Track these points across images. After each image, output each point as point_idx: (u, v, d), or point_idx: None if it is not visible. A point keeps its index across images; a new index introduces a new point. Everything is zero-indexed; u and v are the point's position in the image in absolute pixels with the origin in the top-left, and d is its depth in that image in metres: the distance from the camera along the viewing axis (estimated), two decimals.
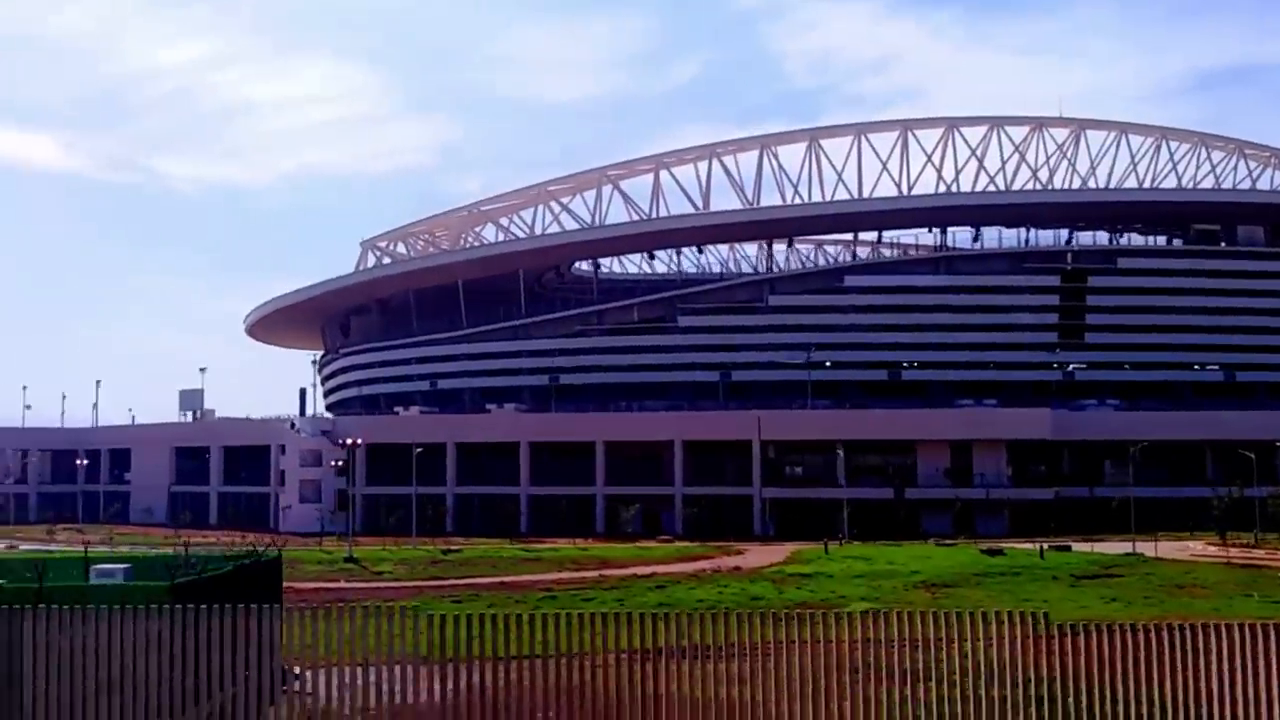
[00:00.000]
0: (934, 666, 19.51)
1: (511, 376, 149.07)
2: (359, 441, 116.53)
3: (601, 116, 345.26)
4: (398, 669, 21.65)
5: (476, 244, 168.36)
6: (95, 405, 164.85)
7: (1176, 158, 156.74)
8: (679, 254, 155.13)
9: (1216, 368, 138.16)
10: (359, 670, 22.40)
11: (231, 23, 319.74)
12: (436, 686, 20.59)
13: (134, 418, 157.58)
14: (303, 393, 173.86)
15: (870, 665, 19.90)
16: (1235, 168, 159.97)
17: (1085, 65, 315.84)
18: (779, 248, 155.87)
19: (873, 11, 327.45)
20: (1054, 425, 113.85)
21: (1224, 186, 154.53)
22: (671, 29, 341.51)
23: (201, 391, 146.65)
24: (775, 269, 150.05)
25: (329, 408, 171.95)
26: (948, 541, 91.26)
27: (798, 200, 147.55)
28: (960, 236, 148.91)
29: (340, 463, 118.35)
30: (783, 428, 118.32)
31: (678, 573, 67.87)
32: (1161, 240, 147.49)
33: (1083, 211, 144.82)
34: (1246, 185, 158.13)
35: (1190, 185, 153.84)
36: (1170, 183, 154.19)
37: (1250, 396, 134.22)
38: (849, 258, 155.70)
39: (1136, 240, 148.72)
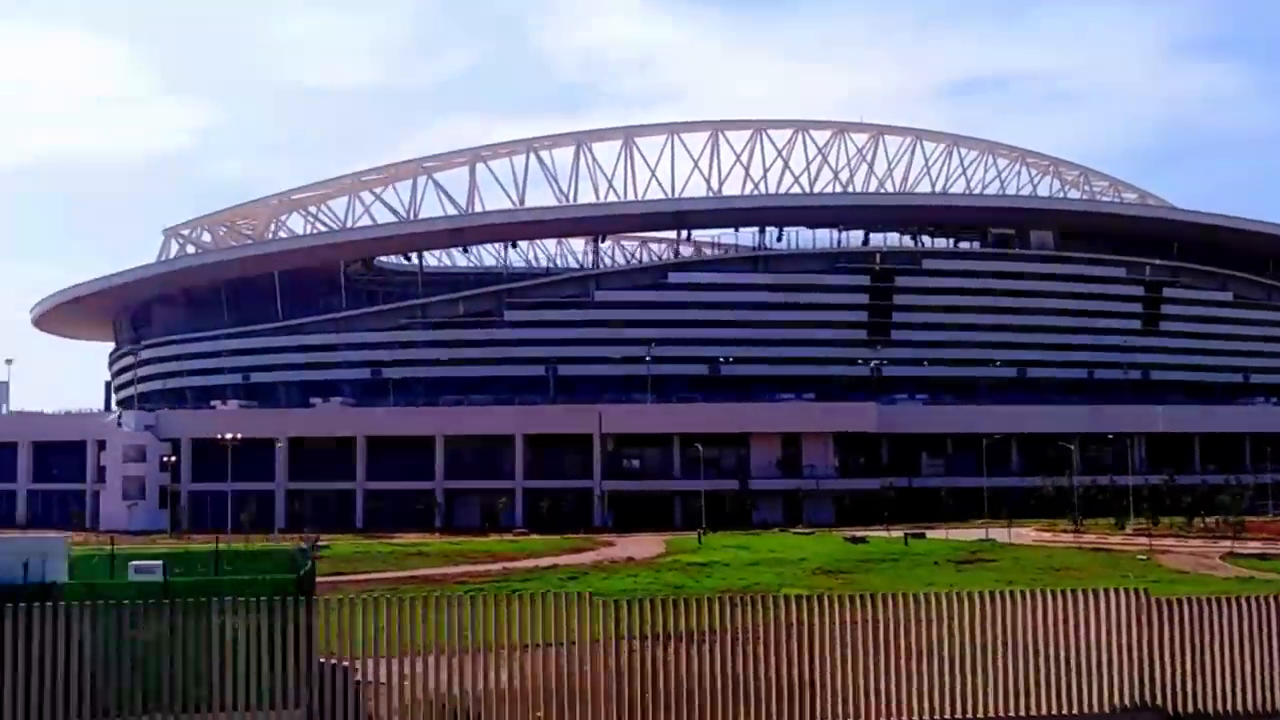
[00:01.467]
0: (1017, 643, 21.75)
1: (331, 370, 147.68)
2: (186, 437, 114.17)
3: (369, 105, 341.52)
4: (471, 657, 23.13)
5: (285, 234, 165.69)
6: None
7: (966, 163, 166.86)
8: (506, 249, 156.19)
9: (1010, 364, 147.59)
10: (424, 659, 23.84)
11: None
12: (504, 674, 21.95)
13: None
14: (108, 386, 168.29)
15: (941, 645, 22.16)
16: (1019, 173, 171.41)
17: (839, 70, 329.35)
18: (603, 245, 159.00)
19: (638, 10, 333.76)
20: (878, 419, 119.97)
21: (1009, 192, 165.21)
22: (441, 21, 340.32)
23: (6, 385, 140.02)
24: (601, 266, 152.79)
25: (122, 402, 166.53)
26: (803, 530, 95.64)
27: (613, 197, 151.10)
28: (775, 237, 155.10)
29: (170, 458, 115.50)
30: (622, 422, 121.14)
31: (575, 564, 69.80)
32: (964, 244, 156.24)
33: (890, 214, 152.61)
34: (1028, 191, 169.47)
35: (980, 190, 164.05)
36: (959, 186, 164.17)
37: (1040, 392, 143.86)
38: (671, 256, 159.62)
39: (940, 243, 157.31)
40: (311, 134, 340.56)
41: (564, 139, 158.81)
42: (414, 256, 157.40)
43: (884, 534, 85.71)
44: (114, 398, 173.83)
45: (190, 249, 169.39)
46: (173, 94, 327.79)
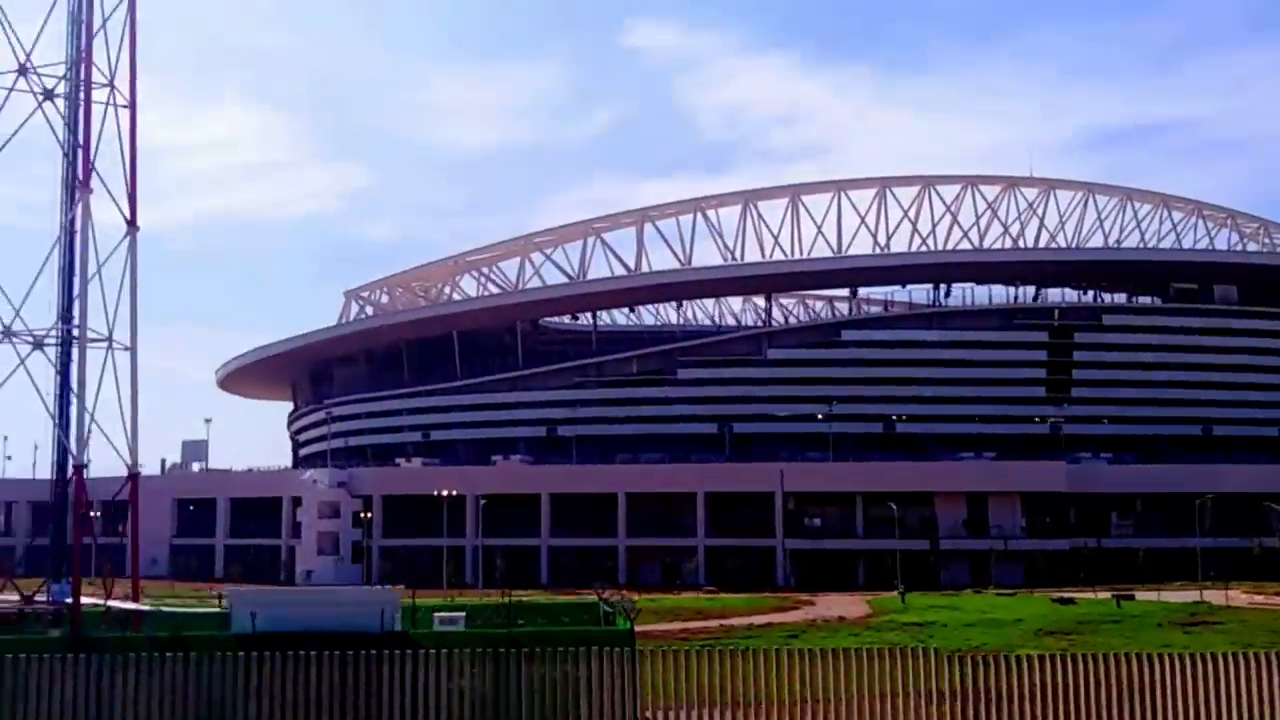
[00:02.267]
0: None
1: (508, 428, 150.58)
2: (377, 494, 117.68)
3: (515, 164, 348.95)
4: (800, 708, 23.81)
5: (459, 295, 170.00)
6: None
7: (1141, 216, 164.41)
8: (677, 308, 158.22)
9: (1194, 421, 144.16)
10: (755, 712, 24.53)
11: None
12: None
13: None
14: (295, 443, 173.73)
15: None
16: (1195, 226, 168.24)
17: (982, 121, 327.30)
18: (772, 302, 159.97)
19: (785, 66, 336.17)
20: (1067, 478, 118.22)
21: (1186, 245, 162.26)
22: (585, 80, 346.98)
23: (206, 443, 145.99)
24: (773, 323, 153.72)
25: (306, 459, 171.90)
26: (1004, 591, 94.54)
27: (779, 255, 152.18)
28: (945, 294, 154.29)
29: (365, 514, 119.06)
30: (803, 480, 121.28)
31: (789, 622, 70.28)
32: (1143, 300, 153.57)
33: (1066, 269, 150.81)
34: (1205, 244, 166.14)
35: (1154, 244, 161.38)
36: (1133, 240, 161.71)
37: (1225, 450, 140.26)
38: (841, 313, 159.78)
39: (1118, 299, 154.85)
40: (457, 195, 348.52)
41: (730, 198, 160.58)
42: (584, 316, 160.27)
43: (1089, 595, 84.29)
44: (297, 455, 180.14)
45: (369, 310, 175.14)
46: (325, 159, 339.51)
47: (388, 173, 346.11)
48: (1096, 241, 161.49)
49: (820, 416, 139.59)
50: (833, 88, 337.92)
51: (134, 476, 45.01)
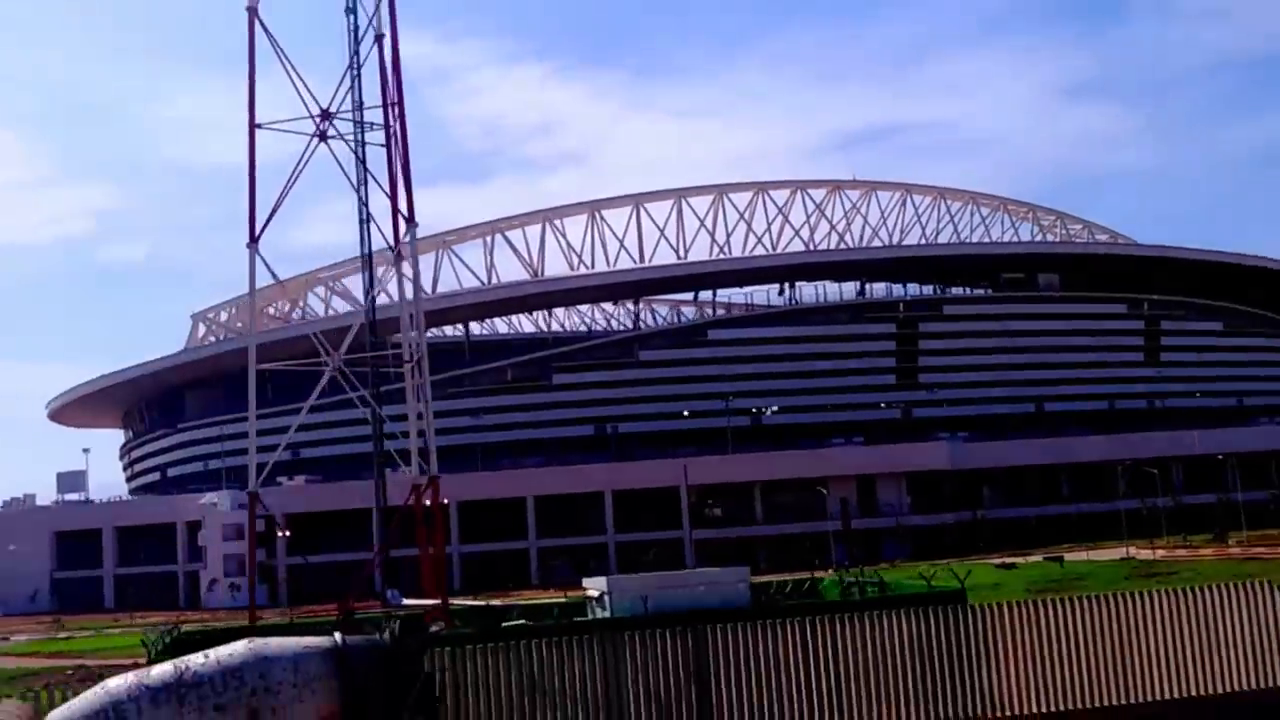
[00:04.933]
0: None
1: (389, 440, 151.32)
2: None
3: (274, 178, 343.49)
4: None
5: (312, 314, 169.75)
6: None
7: (954, 213, 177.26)
8: (548, 316, 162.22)
9: (1028, 400, 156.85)
10: None
11: None
12: None
13: None
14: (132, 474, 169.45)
15: None
16: (1000, 220, 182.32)
17: (738, 127, 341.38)
18: (626, 308, 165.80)
19: (541, 76, 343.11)
20: (950, 456, 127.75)
21: (994, 239, 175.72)
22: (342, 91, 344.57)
23: (85, 473, 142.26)
24: (642, 326, 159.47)
25: (143, 488, 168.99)
26: (939, 563, 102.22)
27: (625, 263, 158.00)
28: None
29: (284, 532, 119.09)
30: (703, 473, 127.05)
31: None
32: (978, 290, 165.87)
33: (912, 265, 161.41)
34: (1011, 237, 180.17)
35: (968, 239, 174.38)
36: (947, 235, 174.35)
37: (1054, 425, 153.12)
38: (707, 315, 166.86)
39: (955, 291, 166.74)
40: (217, 211, 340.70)
41: (531, 217, 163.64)
42: (452, 328, 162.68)
43: (1021, 560, 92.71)
44: (133, 484, 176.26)
45: (217, 332, 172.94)
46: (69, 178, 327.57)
47: (138, 191, 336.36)
48: (914, 238, 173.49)
49: (686, 413, 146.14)
50: (588, 95, 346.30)
51: (434, 479, 47.76)
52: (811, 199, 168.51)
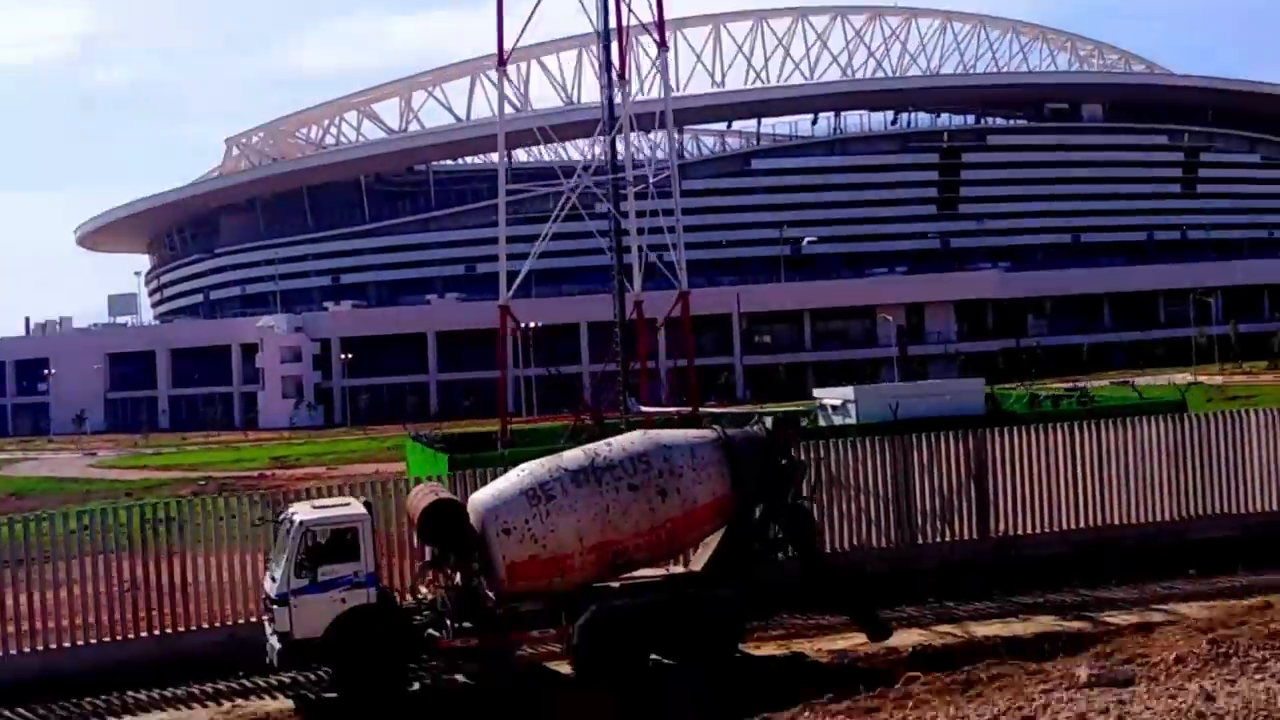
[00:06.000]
0: None
1: (423, 268, 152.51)
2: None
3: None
4: None
5: (346, 140, 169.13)
6: None
7: (993, 41, 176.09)
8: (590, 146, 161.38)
9: (1066, 231, 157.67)
10: None
11: None
12: None
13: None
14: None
15: None
16: (1038, 50, 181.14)
17: None
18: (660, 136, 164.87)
19: None
20: (995, 285, 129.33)
21: (1034, 69, 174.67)
22: None
23: (135, 295, 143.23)
24: (687, 155, 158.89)
25: (167, 315, 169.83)
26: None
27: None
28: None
29: (346, 355, 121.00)
30: (754, 302, 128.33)
31: None
32: (1020, 121, 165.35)
33: (955, 95, 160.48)
34: (1049, 67, 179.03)
35: (1006, 68, 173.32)
36: (985, 65, 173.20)
37: (1090, 255, 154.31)
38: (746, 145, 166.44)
39: (998, 122, 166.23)
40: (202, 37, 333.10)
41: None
42: (490, 156, 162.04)
43: (1085, 385, 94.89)
44: (160, 309, 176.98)
45: (251, 157, 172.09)
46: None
47: (116, 14, 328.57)
48: (951, 66, 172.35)
49: (724, 243, 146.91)
50: None
51: (684, 294, 49.06)
52: (851, 25, 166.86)
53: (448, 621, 21.49)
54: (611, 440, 23.25)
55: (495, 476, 23.65)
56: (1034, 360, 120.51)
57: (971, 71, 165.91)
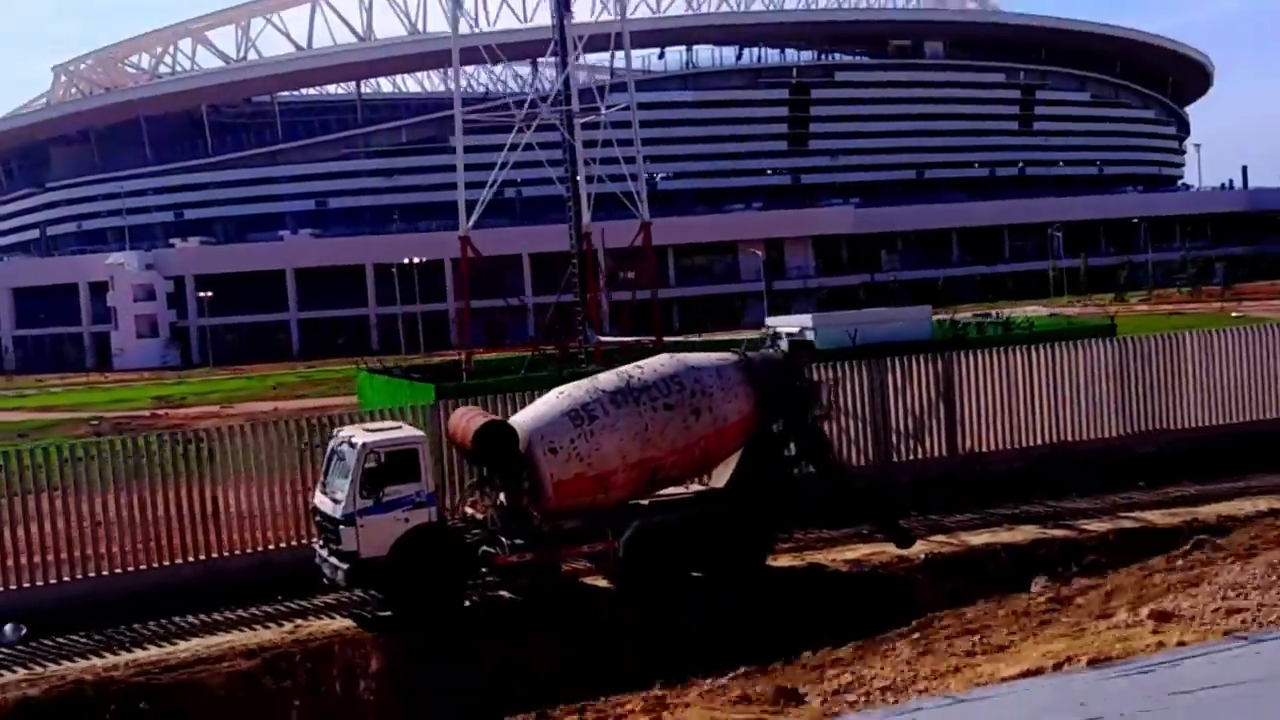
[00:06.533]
0: None
1: (272, 203, 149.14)
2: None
3: None
4: None
5: (181, 69, 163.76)
6: None
7: None
8: (442, 76, 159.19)
9: (910, 167, 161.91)
10: None
11: None
12: None
13: None
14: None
15: None
16: None
17: None
18: (522, 69, 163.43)
19: None
20: (854, 220, 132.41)
21: (877, 5, 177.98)
22: None
23: None
24: (539, 89, 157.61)
25: (8, 249, 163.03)
26: None
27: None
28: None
29: (205, 292, 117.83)
30: (619, 237, 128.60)
31: None
32: (864, 58, 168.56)
33: (802, 31, 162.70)
34: (894, 4, 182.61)
35: (851, 5, 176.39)
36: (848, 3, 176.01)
37: (934, 191, 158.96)
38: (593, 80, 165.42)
39: (844, 59, 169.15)
40: None
41: None
42: (345, 86, 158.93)
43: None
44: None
45: (81, 86, 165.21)
46: None
47: None
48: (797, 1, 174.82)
49: (579, 178, 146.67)
50: None
51: (646, 226, 48.80)
52: None
53: (502, 539, 21.92)
54: (642, 363, 23.88)
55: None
56: (893, 294, 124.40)
57: (815, 7, 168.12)
